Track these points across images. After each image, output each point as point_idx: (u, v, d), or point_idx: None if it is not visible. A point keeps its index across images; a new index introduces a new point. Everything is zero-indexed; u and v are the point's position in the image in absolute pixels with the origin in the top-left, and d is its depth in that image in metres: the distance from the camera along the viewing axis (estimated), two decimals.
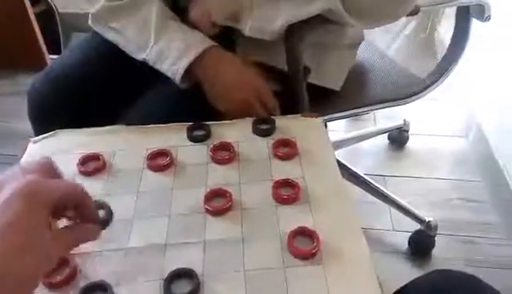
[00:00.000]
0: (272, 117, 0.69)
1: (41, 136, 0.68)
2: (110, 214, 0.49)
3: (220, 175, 0.61)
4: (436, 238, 1.23)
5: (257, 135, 0.68)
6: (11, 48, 1.99)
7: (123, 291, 0.47)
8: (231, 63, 0.74)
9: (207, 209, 0.56)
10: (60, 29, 2.03)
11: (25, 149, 0.67)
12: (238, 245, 0.52)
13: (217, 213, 0.55)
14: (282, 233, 0.53)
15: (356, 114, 1.06)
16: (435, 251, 1.23)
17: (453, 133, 1.63)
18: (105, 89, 0.82)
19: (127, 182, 0.61)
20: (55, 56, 2.04)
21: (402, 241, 1.26)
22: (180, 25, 0.76)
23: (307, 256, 0.50)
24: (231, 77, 0.73)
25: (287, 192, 0.57)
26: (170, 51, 0.72)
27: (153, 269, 0.49)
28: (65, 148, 0.66)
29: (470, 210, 1.36)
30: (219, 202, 0.56)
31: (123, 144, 0.67)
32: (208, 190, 0.58)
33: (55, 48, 2.03)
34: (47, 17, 2.02)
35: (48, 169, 0.42)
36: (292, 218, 0.54)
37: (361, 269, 0.49)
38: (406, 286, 0.50)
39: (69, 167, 0.63)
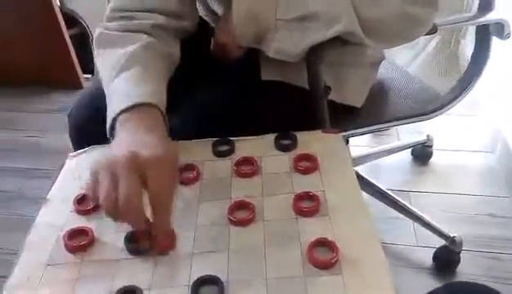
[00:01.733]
0: (294, 133, 0.72)
1: (78, 151, 0.73)
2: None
3: (243, 188, 0.64)
4: (461, 255, 1.22)
5: (279, 150, 0.71)
6: (47, 68, 2.10)
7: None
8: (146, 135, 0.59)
9: (231, 220, 0.59)
10: (93, 51, 2.12)
11: (63, 164, 0.72)
12: (260, 254, 0.55)
13: (241, 224, 0.58)
14: (303, 244, 0.55)
15: (377, 130, 1.09)
16: (460, 268, 1.22)
17: (478, 148, 1.62)
18: None
19: None
20: (88, 75, 2.14)
21: (427, 257, 1.26)
22: (139, 73, 0.68)
23: (327, 266, 0.52)
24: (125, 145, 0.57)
25: (307, 204, 0.60)
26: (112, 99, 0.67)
27: (181, 275, 0.53)
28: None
29: (497, 226, 1.34)
30: (243, 214, 0.59)
31: None
32: (233, 202, 0.61)
33: (88, 68, 2.12)
34: (82, 39, 2.12)
35: None
36: (312, 229, 0.57)
37: (379, 278, 0.51)
38: None
39: (65, 208, 0.64)
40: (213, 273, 0.52)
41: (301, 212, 0.59)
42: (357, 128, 1.00)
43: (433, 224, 1.25)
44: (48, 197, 0.65)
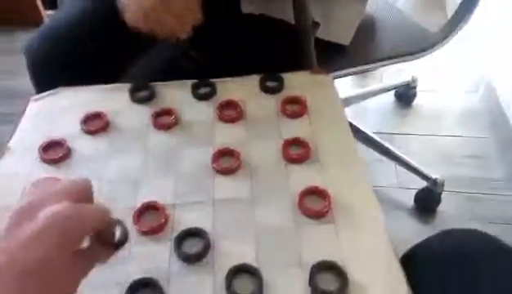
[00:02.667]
0: (281, 74, 0.66)
1: (42, 94, 0.66)
2: (124, 235, 0.39)
3: (227, 134, 0.60)
4: (442, 196, 1.23)
5: (264, 92, 0.65)
6: (5, 5, 1.93)
7: (134, 249, 0.47)
8: None
9: (215, 168, 0.54)
10: None
11: (26, 108, 0.65)
12: (248, 204, 0.51)
13: (226, 173, 0.54)
14: (293, 193, 0.51)
15: (365, 71, 1.04)
16: (441, 208, 1.23)
17: (462, 89, 1.60)
18: (106, 44, 0.78)
19: (131, 141, 0.60)
20: (51, 12, 1.98)
21: (408, 198, 1.26)
22: None
23: (319, 215, 0.49)
24: None
25: (297, 151, 0.56)
26: None
27: (163, 228, 0.49)
28: (67, 106, 0.64)
29: (477, 167, 1.35)
30: (227, 162, 0.55)
31: (126, 102, 0.65)
32: (216, 150, 0.56)
33: (51, 3, 1.96)
34: None
35: (86, 193, 0.36)
36: (302, 177, 0.53)
37: (372, 227, 0.48)
38: (418, 245, 0.49)
39: (71, 126, 0.61)
40: (197, 226, 0.48)
41: (290, 159, 0.55)
42: (344, 69, 0.94)
43: (415, 165, 1.25)
44: (10, 144, 0.59)
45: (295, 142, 0.57)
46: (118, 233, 0.38)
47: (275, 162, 0.55)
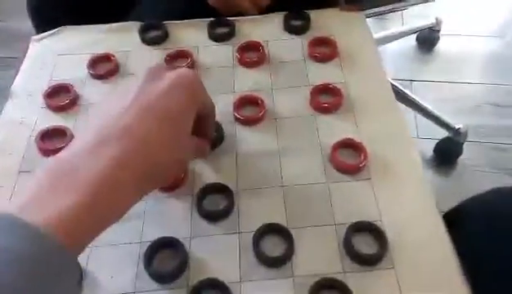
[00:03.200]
0: (307, 11, 0.60)
1: (44, 34, 0.60)
2: (221, 137, 0.45)
3: (249, 80, 0.54)
4: (464, 146, 1.18)
5: (289, 32, 0.59)
6: None
7: (153, 206, 0.43)
8: None
9: (237, 118, 0.49)
10: None
11: (26, 50, 0.59)
12: (274, 158, 0.46)
13: (249, 123, 0.49)
14: (324, 146, 0.47)
15: (391, 11, 0.95)
16: (462, 159, 1.19)
17: (488, 33, 1.51)
18: None
19: None
20: None
21: (427, 149, 1.21)
22: None
23: (354, 171, 0.44)
24: None
25: (327, 99, 0.51)
26: None
27: (182, 184, 0.45)
28: (71, 47, 0.59)
29: (501, 115, 1.28)
30: (250, 111, 0.50)
31: (136, 43, 0.59)
32: (238, 97, 0.51)
33: None
34: None
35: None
36: (334, 129, 0.48)
37: (413, 183, 0.44)
38: (464, 203, 0.45)
39: (77, 70, 0.56)
40: (220, 181, 0.44)
41: (320, 108, 0.50)
42: (370, 8, 0.87)
43: (437, 114, 1.19)
44: (12, 89, 0.54)
45: (325, 89, 0.51)
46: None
47: (303, 111, 0.50)
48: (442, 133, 1.19)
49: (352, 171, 0.44)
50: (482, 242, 0.40)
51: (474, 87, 1.36)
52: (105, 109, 0.35)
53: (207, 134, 0.42)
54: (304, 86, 0.52)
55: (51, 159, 0.31)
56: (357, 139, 0.47)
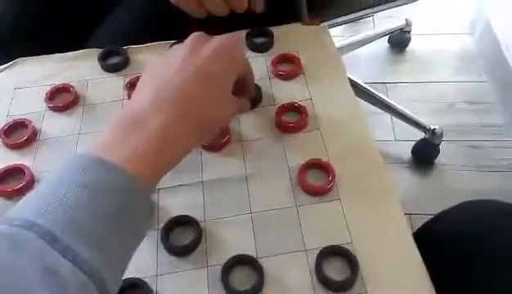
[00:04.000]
0: (270, 28, 0.59)
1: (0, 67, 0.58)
2: (260, 95, 0.51)
3: None
4: (440, 145, 1.19)
5: (252, 50, 0.58)
6: None
7: None
8: None
9: (202, 145, 0.48)
10: None
11: None
12: (242, 184, 0.45)
13: (215, 148, 0.48)
14: (291, 168, 0.46)
15: (358, 18, 0.95)
16: (439, 159, 1.19)
17: (458, 30, 1.52)
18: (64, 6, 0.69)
19: (106, 116, 0.52)
20: None
21: (405, 151, 1.22)
22: None
23: (323, 192, 0.43)
24: None
25: (293, 118, 0.50)
26: None
27: None
28: (28, 80, 0.57)
29: (476, 113, 1.30)
30: (216, 136, 0.49)
31: (97, 70, 0.57)
32: None
33: None
34: None
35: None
36: (301, 149, 0.47)
37: (384, 202, 0.43)
38: (432, 220, 0.45)
39: (35, 104, 0.54)
40: (185, 213, 0.43)
41: (286, 129, 0.49)
42: (337, 17, 0.86)
43: (412, 116, 1.19)
44: None
45: (291, 107, 0.50)
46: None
47: (269, 132, 0.49)
48: (419, 134, 1.19)
49: (320, 192, 0.44)
50: (451, 261, 0.40)
51: (448, 86, 1.37)
52: (157, 73, 0.39)
53: (246, 93, 0.47)
54: (270, 105, 0.51)
55: (120, 113, 0.36)
56: (325, 158, 0.46)
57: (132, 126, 0.35)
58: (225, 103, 0.40)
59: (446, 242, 0.41)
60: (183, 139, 0.36)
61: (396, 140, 1.25)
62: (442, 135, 1.16)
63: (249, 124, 0.50)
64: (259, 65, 0.56)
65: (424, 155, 1.19)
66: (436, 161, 1.19)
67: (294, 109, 0.50)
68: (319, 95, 0.52)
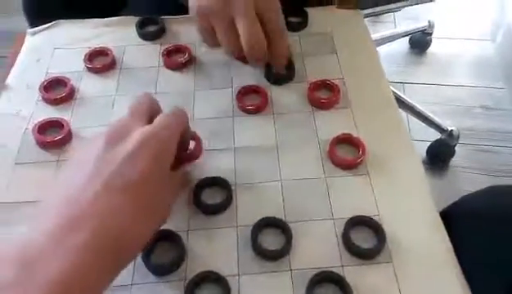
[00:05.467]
0: (304, 8, 0.60)
1: (40, 27, 0.60)
2: (293, 72, 0.50)
3: (247, 74, 0.54)
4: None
5: (287, 29, 0.59)
6: None
7: None
8: None
9: (240, 107, 0.50)
10: None
11: (21, 46, 0.58)
12: (272, 152, 0.46)
13: (251, 111, 0.49)
14: (321, 141, 0.47)
15: (384, 12, 0.96)
16: (453, 161, 1.20)
17: (479, 36, 1.52)
18: None
19: (141, 81, 0.54)
20: None
21: (419, 151, 1.22)
22: None
23: (352, 166, 0.45)
24: None
25: (325, 95, 0.51)
26: None
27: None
28: (67, 41, 0.58)
29: (492, 118, 1.30)
30: (252, 101, 0.50)
31: (133, 38, 0.59)
32: (240, 88, 0.51)
33: None
34: None
35: (154, 107, 0.40)
36: (332, 124, 0.48)
37: (411, 180, 0.44)
38: (460, 201, 0.46)
39: (74, 64, 0.55)
40: (217, 175, 0.44)
41: (318, 104, 0.50)
42: (369, 7, 0.87)
43: (430, 116, 1.20)
44: (7, 82, 0.54)
45: (323, 85, 0.51)
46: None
47: (301, 107, 0.50)
48: (435, 135, 1.20)
49: (349, 166, 0.45)
50: (477, 241, 0.41)
51: (466, 90, 1.38)
52: (63, 186, 0.32)
53: (184, 148, 0.42)
54: (302, 82, 0.53)
55: (14, 249, 0.28)
56: (355, 134, 0.47)
57: (31, 269, 0.26)
58: (157, 207, 0.34)
59: (472, 221, 0.42)
60: (101, 270, 0.29)
61: (411, 139, 1.25)
62: (458, 136, 1.17)
63: (281, 99, 0.51)
64: (293, 43, 0.57)
65: (439, 156, 1.20)
66: (450, 162, 1.20)
67: (326, 86, 0.51)
68: (351, 75, 0.53)
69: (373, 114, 0.49)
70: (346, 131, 0.47)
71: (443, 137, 1.17)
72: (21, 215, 0.41)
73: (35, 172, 0.45)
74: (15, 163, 0.46)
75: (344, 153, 0.45)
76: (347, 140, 0.46)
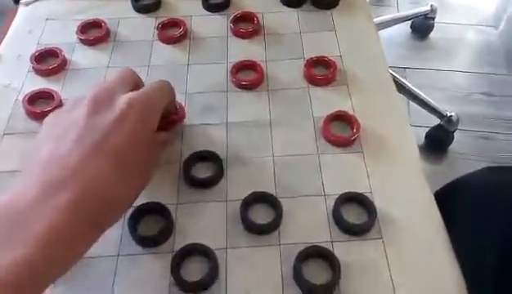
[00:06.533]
0: None
1: None
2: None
3: (242, 51, 0.53)
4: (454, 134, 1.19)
5: (284, 5, 0.58)
6: None
7: None
8: None
9: (233, 82, 0.49)
10: None
11: (14, 15, 0.57)
12: (265, 128, 0.46)
13: (246, 86, 0.48)
14: (316, 118, 0.46)
15: None
16: (452, 147, 1.19)
17: (482, 22, 1.51)
18: None
19: (135, 54, 0.53)
20: None
21: (418, 136, 1.22)
22: None
23: (346, 143, 0.44)
24: None
25: (321, 72, 0.50)
26: None
27: (171, 151, 0.44)
28: (60, 12, 0.57)
29: (492, 105, 1.29)
30: (247, 75, 0.49)
31: (128, 10, 0.58)
32: (237, 62, 0.50)
33: None
34: None
35: (137, 79, 0.39)
36: (327, 102, 0.48)
37: (406, 159, 0.44)
38: (455, 182, 0.45)
39: (66, 35, 0.54)
40: (208, 149, 0.43)
41: (314, 81, 0.49)
42: None
43: (430, 101, 1.19)
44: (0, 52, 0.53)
45: (320, 61, 0.51)
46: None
47: (296, 83, 0.49)
48: (434, 121, 1.19)
49: (343, 143, 0.44)
50: (476, 217, 0.40)
51: (466, 76, 1.37)
52: (51, 145, 0.31)
53: (168, 116, 0.41)
54: (299, 58, 0.52)
55: (2, 206, 0.28)
56: (351, 112, 0.46)
57: (15, 229, 0.27)
58: (139, 173, 0.34)
59: (467, 200, 0.41)
60: (83, 231, 0.29)
61: (410, 124, 1.24)
62: (457, 122, 1.16)
63: (277, 75, 0.50)
64: (292, 20, 0.56)
65: (438, 141, 1.19)
66: (448, 148, 1.19)
67: (322, 63, 0.50)
68: (349, 53, 0.52)
69: (370, 93, 0.48)
70: (342, 109, 0.46)
71: (442, 123, 1.16)
72: (9, 184, 0.41)
73: (24, 142, 0.45)
74: (4, 134, 0.45)
75: (339, 130, 0.45)
76: (342, 118, 0.46)
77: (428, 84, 1.32)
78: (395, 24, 1.46)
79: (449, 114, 1.14)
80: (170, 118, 0.43)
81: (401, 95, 1.23)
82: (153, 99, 0.36)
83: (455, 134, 1.18)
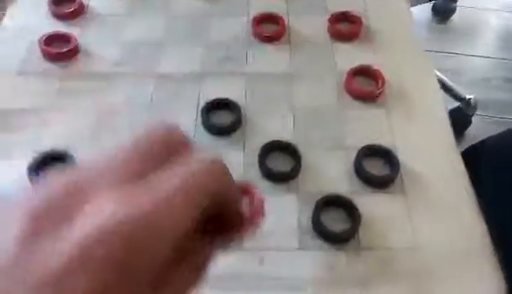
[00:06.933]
0: None
1: None
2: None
3: (264, 4, 0.51)
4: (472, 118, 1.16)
5: None
6: None
7: (156, 116, 0.41)
8: None
9: (255, 33, 0.47)
10: None
11: None
12: (286, 80, 0.44)
13: (265, 40, 0.47)
14: (339, 72, 0.44)
15: None
16: (469, 131, 1.17)
17: (504, 8, 1.46)
18: None
19: (155, 5, 0.51)
20: None
21: None
22: None
23: (369, 98, 0.42)
24: None
25: (346, 27, 0.48)
26: None
27: (188, 96, 0.42)
28: None
29: (510, 90, 1.26)
30: (268, 28, 0.48)
31: None
32: (257, 14, 0.49)
33: None
34: None
35: (170, 146, 0.18)
36: (351, 56, 0.46)
37: (431, 114, 0.42)
38: (481, 142, 0.43)
39: (38, 10, 0.52)
40: (227, 97, 0.42)
41: (338, 36, 0.47)
42: None
43: (449, 83, 1.16)
44: None
45: (345, 17, 0.49)
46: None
47: (319, 38, 0.48)
48: (451, 105, 1.16)
49: (367, 97, 0.42)
50: (501, 177, 0.39)
51: (486, 61, 1.33)
52: None
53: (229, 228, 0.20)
54: (322, 12, 0.50)
55: None
56: (376, 67, 0.44)
57: None
58: None
59: (492, 161, 0.40)
60: None
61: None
62: (476, 106, 1.13)
63: (299, 28, 0.49)
64: None
65: (456, 124, 1.16)
66: (465, 132, 1.17)
67: (347, 18, 0.49)
68: (375, 9, 0.50)
69: (395, 49, 0.47)
70: (366, 63, 0.45)
71: (461, 106, 1.13)
72: (22, 122, 0.40)
73: (37, 82, 0.44)
74: (18, 73, 0.44)
75: (363, 84, 0.43)
76: (366, 72, 0.44)
77: (448, 67, 1.29)
78: (416, 4, 1.42)
79: (467, 97, 1.12)
80: (234, 221, 0.20)
81: None
82: (153, 220, 0.15)
83: (472, 118, 1.16)
